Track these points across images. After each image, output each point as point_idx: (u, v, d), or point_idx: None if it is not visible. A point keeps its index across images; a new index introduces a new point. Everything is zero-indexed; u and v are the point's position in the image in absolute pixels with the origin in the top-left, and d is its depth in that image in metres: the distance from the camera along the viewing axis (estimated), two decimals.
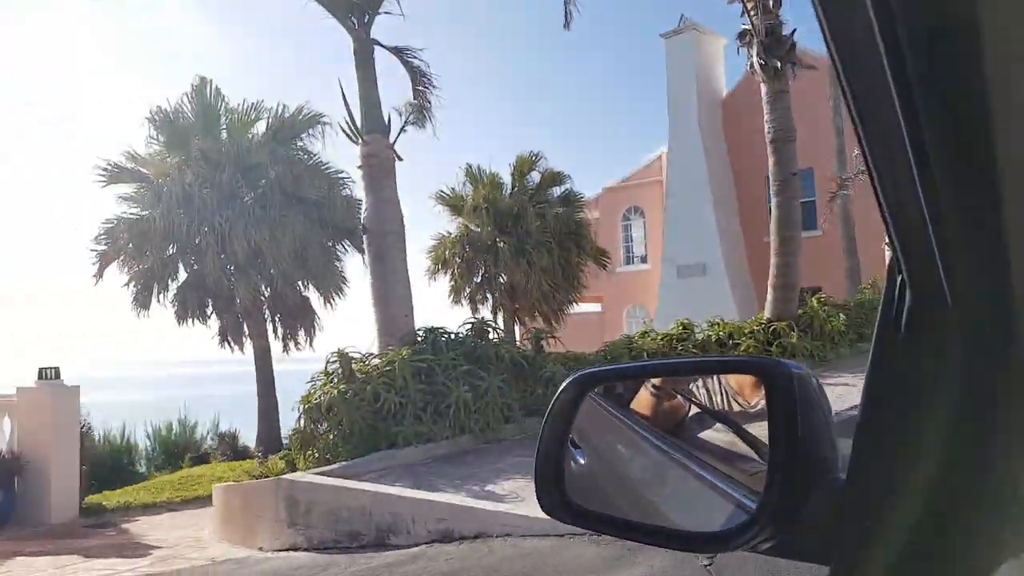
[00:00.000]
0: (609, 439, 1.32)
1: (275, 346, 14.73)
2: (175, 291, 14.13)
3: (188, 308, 14.07)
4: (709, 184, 25.85)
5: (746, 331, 12.63)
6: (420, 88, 9.12)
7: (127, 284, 13.88)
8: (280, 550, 6.62)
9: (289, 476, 6.84)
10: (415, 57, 9.17)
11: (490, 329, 9.18)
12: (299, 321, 14.87)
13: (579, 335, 21.46)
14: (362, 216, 8.70)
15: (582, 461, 1.19)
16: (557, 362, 9.56)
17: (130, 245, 13.51)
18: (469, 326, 9.07)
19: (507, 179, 19.93)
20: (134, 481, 13.91)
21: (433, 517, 5.86)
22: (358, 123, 8.60)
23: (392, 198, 8.70)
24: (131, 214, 13.81)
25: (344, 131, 8.64)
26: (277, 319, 14.76)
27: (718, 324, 13.11)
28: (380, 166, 8.62)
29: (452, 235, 19.15)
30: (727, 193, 26.60)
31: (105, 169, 13.81)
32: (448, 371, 8.22)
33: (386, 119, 8.78)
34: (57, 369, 9.00)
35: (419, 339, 8.71)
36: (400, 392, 7.82)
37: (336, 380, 7.80)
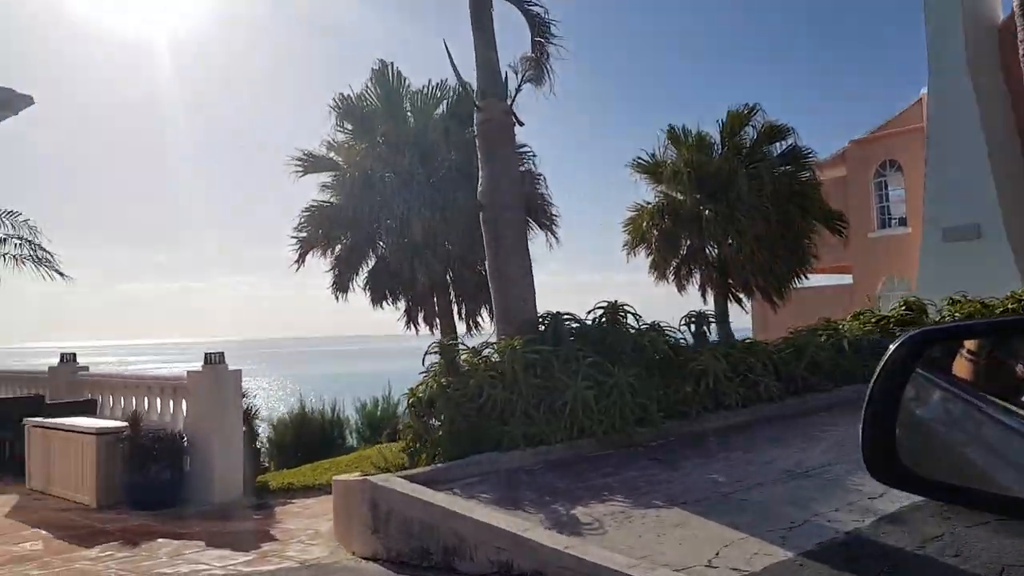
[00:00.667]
0: (926, 402, 1.26)
1: (460, 327, 14.59)
2: (366, 275, 14.52)
3: (380, 291, 14.40)
4: (982, 128, 21.37)
5: (997, 310, 9.89)
6: (539, 39, 8.07)
7: (330, 270, 14.51)
8: (364, 557, 6.16)
9: (373, 478, 6.31)
10: (536, 4, 8.13)
11: (627, 314, 7.93)
12: (480, 302, 14.56)
13: (818, 312, 18.94)
14: (478, 191, 7.89)
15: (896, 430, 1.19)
16: (718, 355, 8.05)
17: (319, 232, 14.09)
18: (600, 312, 7.90)
19: (717, 138, 18.02)
20: (342, 453, 14.63)
21: (494, 545, 4.97)
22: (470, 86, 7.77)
23: (509, 169, 7.80)
24: (322, 202, 14.39)
25: (471, 97, 7.84)
26: (459, 300, 14.59)
27: (960, 301, 10.44)
28: (496, 132, 7.75)
29: (650, 205, 17.75)
30: (1007, 138, 21.86)
31: (300, 159, 14.50)
32: (569, 363, 7.19)
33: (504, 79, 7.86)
34: (222, 354, 9.43)
35: (542, 327, 7.75)
36: (509, 387, 6.95)
37: (439, 372, 7.14)
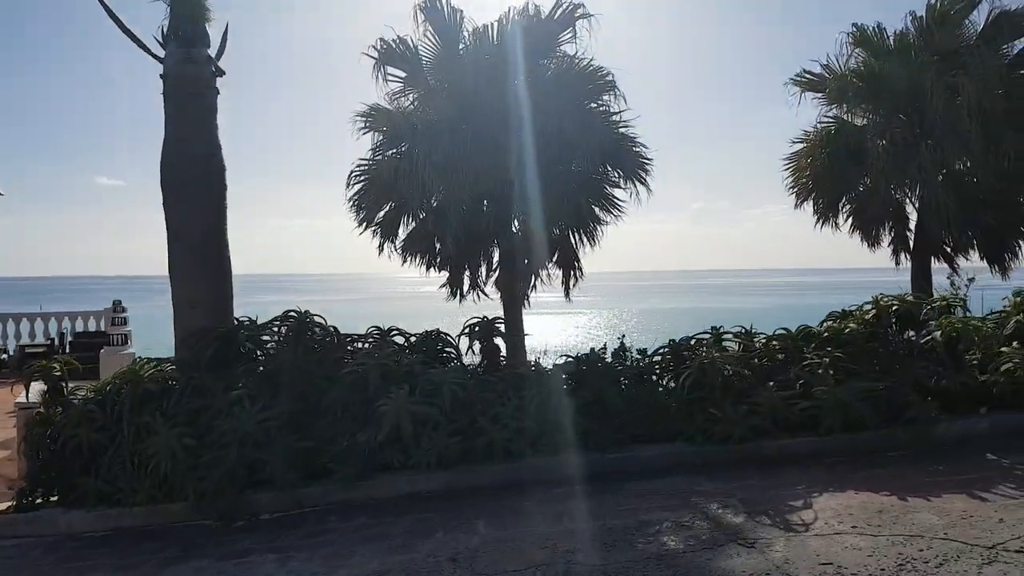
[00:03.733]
0: None
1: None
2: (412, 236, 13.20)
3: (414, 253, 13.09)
4: None
5: None
6: None
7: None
8: None
9: None
10: None
11: (314, 325, 5.62)
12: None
13: None
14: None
15: None
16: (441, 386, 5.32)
17: (367, 195, 13.04)
18: (286, 326, 5.70)
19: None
20: None
21: None
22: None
23: (196, 133, 5.92)
24: (370, 161, 13.31)
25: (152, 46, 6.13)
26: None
27: None
28: (181, 86, 5.95)
29: (811, 134, 13.11)
30: None
31: (363, 116, 13.56)
32: (192, 399, 5.41)
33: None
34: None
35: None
36: (111, 427, 5.48)
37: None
